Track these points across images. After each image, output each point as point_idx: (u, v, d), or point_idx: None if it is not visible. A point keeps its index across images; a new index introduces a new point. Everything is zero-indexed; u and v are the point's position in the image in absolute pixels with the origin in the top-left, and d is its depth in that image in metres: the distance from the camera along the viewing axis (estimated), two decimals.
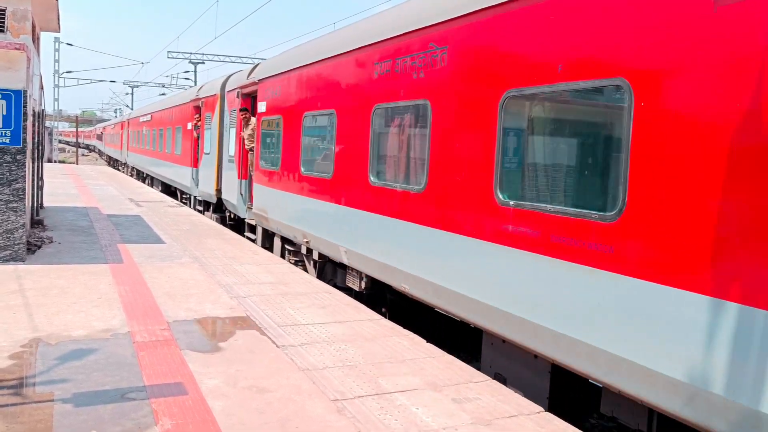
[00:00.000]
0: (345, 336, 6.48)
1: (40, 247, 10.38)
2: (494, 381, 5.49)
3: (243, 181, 14.05)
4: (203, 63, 53.18)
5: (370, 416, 4.56)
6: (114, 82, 63.89)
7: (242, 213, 14.21)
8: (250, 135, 13.54)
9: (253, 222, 13.52)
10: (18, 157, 8.98)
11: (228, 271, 9.44)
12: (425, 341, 6.56)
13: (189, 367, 5.31)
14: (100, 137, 68.90)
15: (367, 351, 6.04)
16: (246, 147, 13.71)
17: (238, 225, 15.83)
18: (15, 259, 9.07)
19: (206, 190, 17.43)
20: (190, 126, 19.61)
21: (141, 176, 33.45)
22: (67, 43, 50.87)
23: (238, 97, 14.46)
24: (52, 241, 11.01)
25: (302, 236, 10.24)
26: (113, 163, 49.64)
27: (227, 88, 15.71)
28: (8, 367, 5.12)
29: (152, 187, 27.22)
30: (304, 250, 10.49)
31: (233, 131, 14.79)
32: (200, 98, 18.44)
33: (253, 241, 13.43)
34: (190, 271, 9.27)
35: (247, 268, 9.77)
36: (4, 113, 8.79)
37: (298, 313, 7.27)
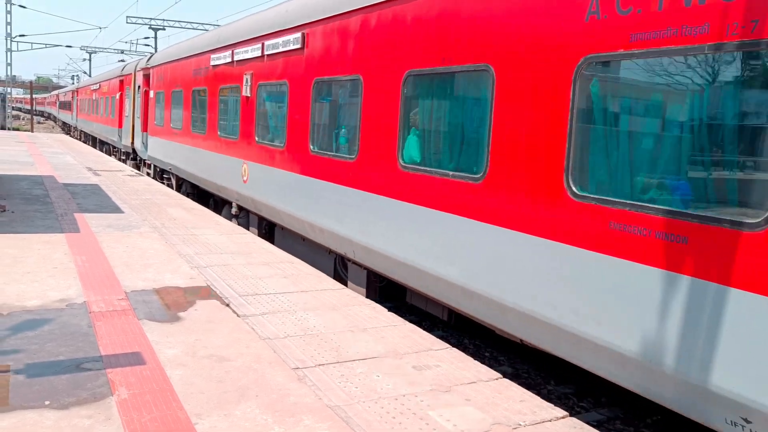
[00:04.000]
0: (307, 305, 6.45)
1: None
2: (454, 348, 5.54)
3: None
4: (164, 29, 51.80)
5: (330, 384, 4.56)
6: (70, 47, 61.88)
7: None
8: None
9: None
10: None
11: (189, 240, 9.29)
12: (387, 310, 6.58)
13: (147, 337, 5.23)
14: (65, 105, 54.28)
15: (328, 320, 6.03)
16: None
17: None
18: None
19: None
20: None
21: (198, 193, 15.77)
22: (20, 5, 48.72)
23: None
24: (4, 210, 10.67)
25: None
26: (97, 144, 33.44)
27: None
28: None
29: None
30: None
31: None
32: None
33: None
34: (149, 240, 9.10)
35: (209, 237, 9.63)
36: None
37: (260, 282, 7.21)
